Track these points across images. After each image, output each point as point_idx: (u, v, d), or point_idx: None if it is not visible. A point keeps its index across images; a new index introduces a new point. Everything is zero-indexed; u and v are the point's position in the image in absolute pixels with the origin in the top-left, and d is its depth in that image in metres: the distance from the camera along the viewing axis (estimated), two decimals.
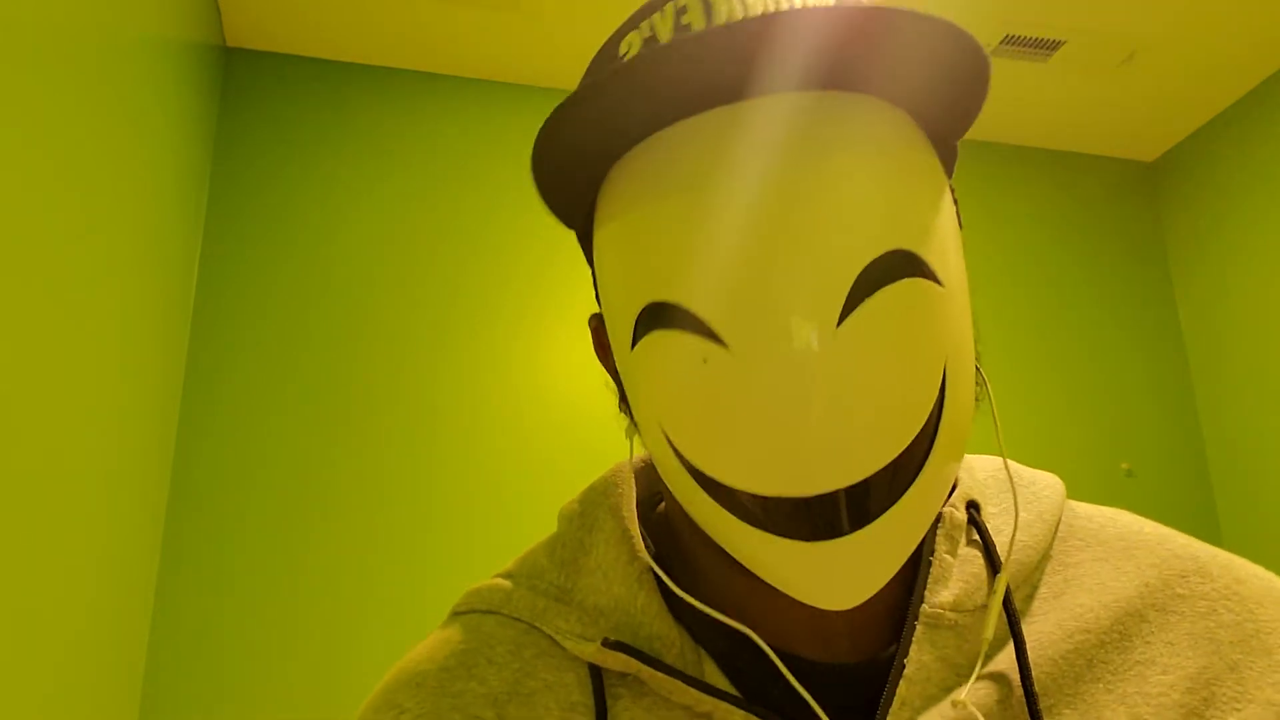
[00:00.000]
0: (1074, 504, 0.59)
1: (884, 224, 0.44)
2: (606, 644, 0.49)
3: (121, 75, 1.66)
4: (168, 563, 2.19)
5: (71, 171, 1.42)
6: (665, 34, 0.48)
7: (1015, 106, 2.90)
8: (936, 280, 0.45)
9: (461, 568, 2.27)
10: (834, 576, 0.44)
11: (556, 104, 0.43)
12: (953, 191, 0.50)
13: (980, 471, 0.59)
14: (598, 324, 0.55)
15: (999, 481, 0.58)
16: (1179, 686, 0.49)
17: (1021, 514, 0.54)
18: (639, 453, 0.54)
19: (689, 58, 0.42)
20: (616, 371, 0.53)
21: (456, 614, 0.57)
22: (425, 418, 2.43)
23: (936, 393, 0.44)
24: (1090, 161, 3.16)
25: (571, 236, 0.55)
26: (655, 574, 0.52)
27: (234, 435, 2.32)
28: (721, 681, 0.49)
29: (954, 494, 0.55)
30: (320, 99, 2.62)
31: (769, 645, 0.48)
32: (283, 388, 2.38)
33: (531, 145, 0.47)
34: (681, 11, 0.48)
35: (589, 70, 0.53)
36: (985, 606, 0.50)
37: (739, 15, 0.46)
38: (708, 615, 0.50)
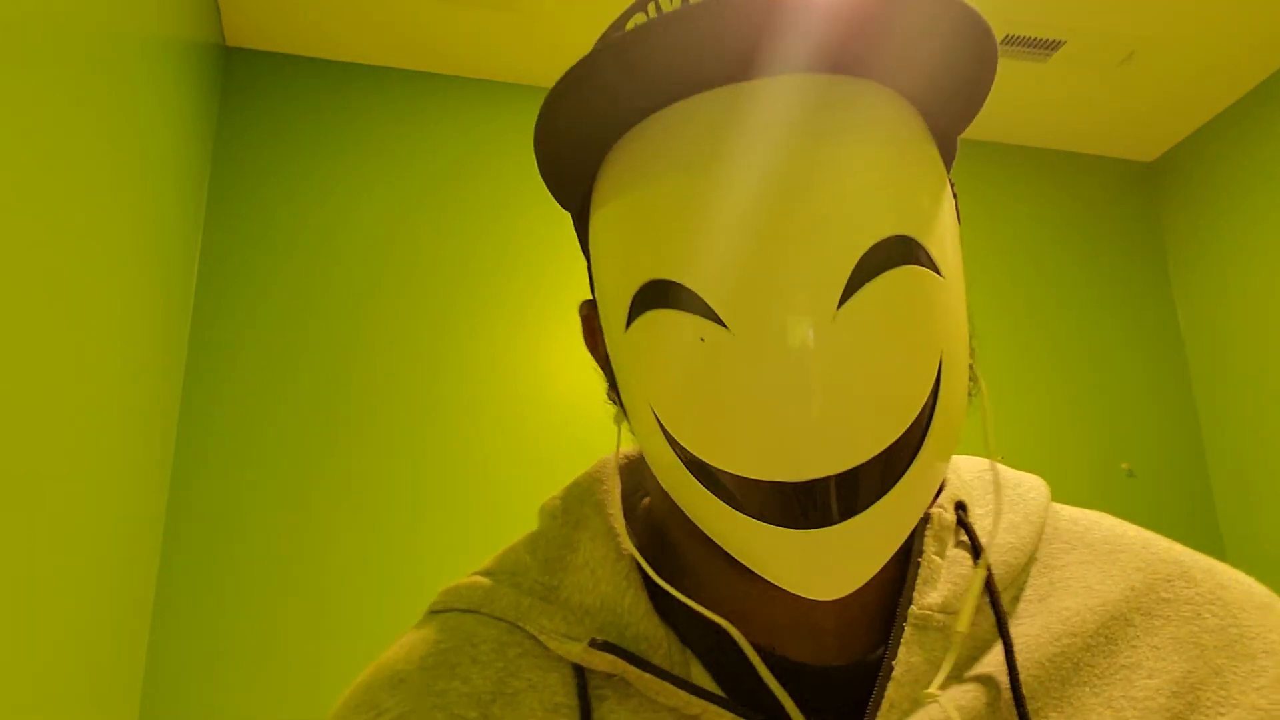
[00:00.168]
0: (1058, 506, 0.59)
1: (887, 210, 0.44)
2: (594, 644, 0.48)
3: (121, 75, 1.66)
4: (168, 563, 2.19)
5: (71, 171, 1.42)
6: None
7: (1015, 106, 2.90)
8: (936, 270, 0.45)
9: (462, 567, 2.26)
10: (822, 566, 0.43)
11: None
12: (952, 186, 0.50)
13: (967, 472, 0.59)
14: (589, 311, 0.54)
15: (985, 483, 0.58)
16: (1164, 690, 0.49)
17: (1008, 515, 0.54)
18: (626, 443, 0.53)
19: (691, 31, 0.42)
20: (606, 358, 0.52)
21: (434, 613, 0.55)
22: (425, 417, 2.43)
23: (931, 384, 0.44)
24: (1090, 161, 3.16)
25: (573, 235, 0.54)
26: (642, 571, 0.51)
27: (234, 435, 2.32)
28: (708, 683, 0.48)
29: (942, 494, 0.55)
30: (320, 99, 2.62)
31: (756, 645, 0.48)
32: (283, 387, 2.38)
33: (532, 146, 0.47)
34: None
35: (593, 48, 0.53)
36: (974, 609, 0.50)
37: None
38: (695, 615, 0.50)
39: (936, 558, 0.51)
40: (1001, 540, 0.53)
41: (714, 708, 0.46)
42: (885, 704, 0.46)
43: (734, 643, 0.49)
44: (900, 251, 0.43)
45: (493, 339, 2.50)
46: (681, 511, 0.48)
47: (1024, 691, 0.48)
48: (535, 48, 2.59)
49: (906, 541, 0.49)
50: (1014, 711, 0.47)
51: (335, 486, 2.33)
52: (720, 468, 0.44)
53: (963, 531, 0.53)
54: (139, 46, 1.76)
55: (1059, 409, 2.86)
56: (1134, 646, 0.50)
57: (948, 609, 0.49)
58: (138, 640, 2.06)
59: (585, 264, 0.54)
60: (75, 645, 1.56)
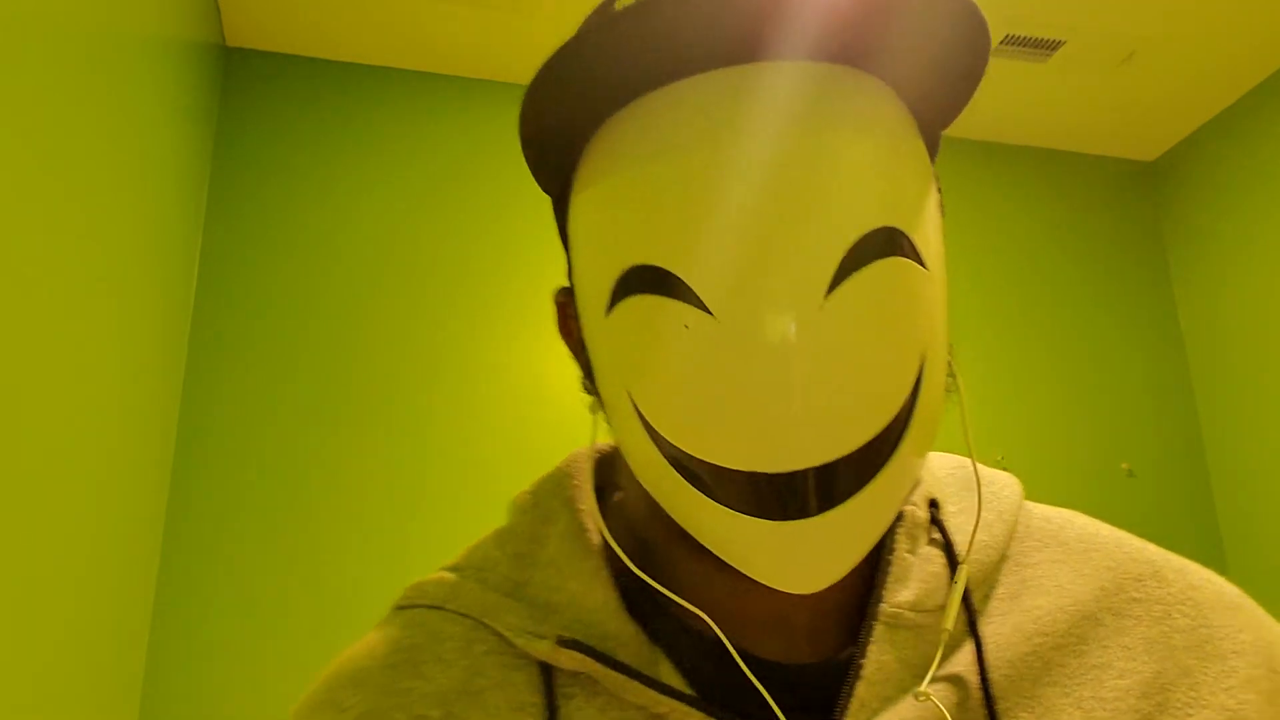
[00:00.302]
0: (1030, 505, 0.58)
1: (876, 201, 0.43)
2: (562, 642, 0.47)
3: (121, 75, 1.66)
4: (168, 563, 2.19)
5: (71, 171, 1.42)
6: None
7: (1015, 106, 2.90)
8: (921, 263, 0.45)
9: None
10: (797, 559, 0.43)
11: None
12: (937, 180, 0.50)
13: (940, 469, 0.58)
14: (564, 298, 0.53)
15: (959, 480, 0.57)
16: (1134, 691, 0.49)
17: (984, 515, 0.54)
18: (604, 436, 0.52)
19: (685, 13, 0.41)
20: (582, 345, 0.51)
21: (400, 609, 0.54)
22: (425, 417, 2.43)
23: (914, 378, 0.44)
24: (1090, 161, 3.16)
25: None
26: (612, 569, 0.51)
27: (234, 434, 2.32)
28: (677, 681, 0.48)
29: (915, 492, 0.54)
30: (320, 99, 2.62)
31: (721, 632, 0.47)
32: (283, 387, 2.38)
33: None
34: None
35: (582, 26, 0.50)
36: (944, 606, 0.50)
37: None
38: (665, 612, 0.49)
39: (908, 555, 0.51)
40: (974, 539, 0.53)
41: (682, 706, 0.46)
42: (855, 703, 0.46)
43: (704, 640, 0.48)
44: (888, 243, 0.43)
45: (492, 338, 2.50)
46: (656, 505, 0.48)
47: (994, 691, 0.47)
48: (535, 48, 2.59)
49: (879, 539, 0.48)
50: (984, 711, 0.47)
51: (335, 486, 2.33)
52: (699, 457, 0.43)
53: (935, 529, 0.53)
54: (139, 46, 1.76)
55: (1059, 409, 2.86)
56: (1105, 647, 0.50)
57: (919, 607, 0.49)
58: (138, 640, 2.06)
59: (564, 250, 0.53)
60: (75, 645, 1.56)
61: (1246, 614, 0.54)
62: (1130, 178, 3.18)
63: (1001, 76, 2.74)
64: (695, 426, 0.43)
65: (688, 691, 0.47)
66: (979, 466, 0.57)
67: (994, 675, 0.48)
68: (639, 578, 0.49)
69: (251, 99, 2.58)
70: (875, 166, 0.44)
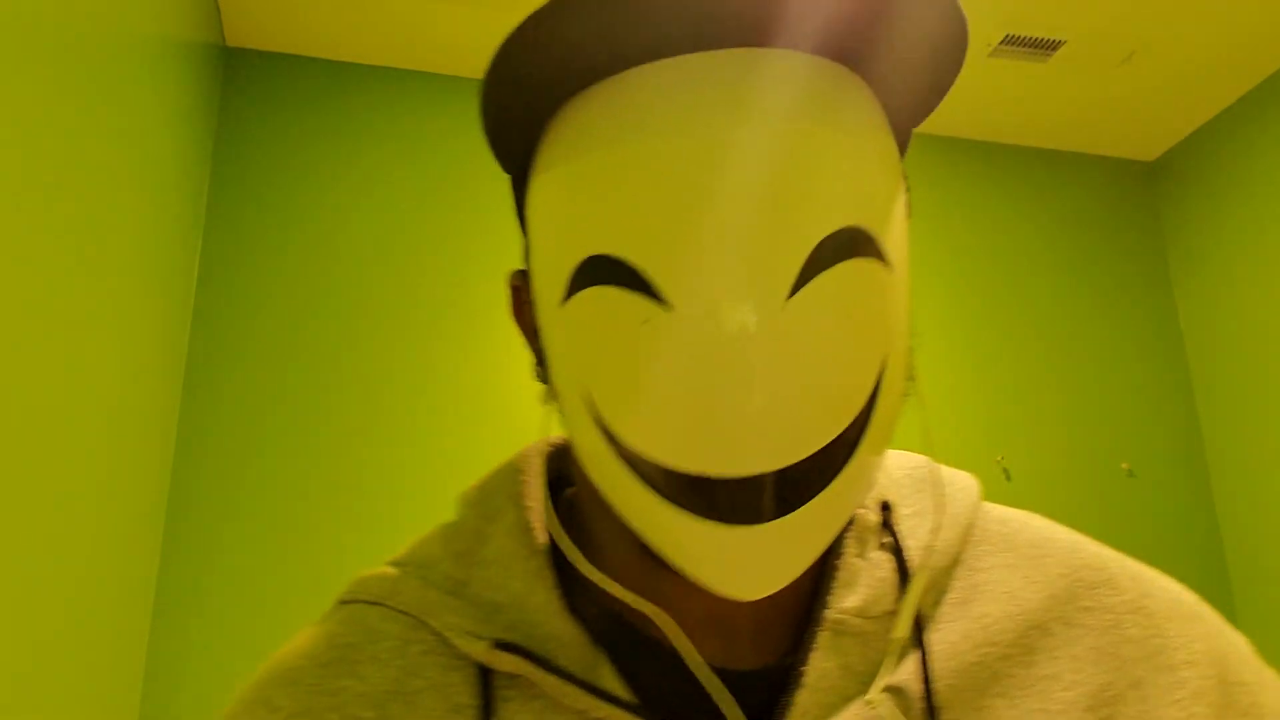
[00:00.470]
0: (989, 506, 0.57)
1: (845, 199, 0.42)
2: (498, 645, 0.46)
3: (121, 75, 1.66)
4: (168, 563, 2.19)
5: (71, 171, 1.42)
6: None
7: (1015, 106, 2.90)
8: (887, 263, 0.44)
9: None
10: (746, 565, 0.42)
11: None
12: (905, 179, 0.49)
13: (897, 470, 0.56)
14: (519, 281, 0.52)
15: (915, 480, 0.56)
16: (1080, 704, 0.48)
17: (936, 517, 0.53)
18: (555, 426, 0.51)
19: None
20: (535, 333, 0.50)
21: (342, 603, 0.53)
22: (425, 417, 2.43)
23: (873, 382, 0.43)
24: (1090, 161, 3.16)
25: None
26: (557, 567, 0.50)
27: (234, 434, 2.32)
28: (617, 685, 0.46)
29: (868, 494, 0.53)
30: (320, 99, 2.62)
31: (671, 646, 0.47)
32: (283, 386, 2.38)
33: None
34: None
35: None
36: (892, 613, 0.49)
37: None
38: (610, 615, 0.48)
39: (857, 560, 0.50)
40: (926, 543, 0.52)
41: (620, 712, 0.45)
42: (796, 711, 0.45)
43: (647, 643, 0.47)
44: (855, 243, 0.42)
45: (491, 338, 2.50)
46: (604, 504, 0.46)
47: (939, 701, 0.46)
48: None
49: None
50: None
51: (335, 485, 2.33)
52: (653, 458, 0.42)
53: (886, 533, 0.52)
54: (139, 46, 1.76)
55: (1059, 409, 2.86)
56: (1054, 657, 0.49)
57: (865, 613, 0.48)
58: (138, 640, 2.06)
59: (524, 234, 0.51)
60: (75, 645, 1.56)
61: (1202, 623, 0.53)
62: (1130, 178, 3.18)
63: (1001, 76, 2.74)
64: (650, 426, 0.42)
65: (627, 696, 0.46)
66: (940, 467, 0.56)
67: (939, 685, 0.47)
68: (586, 577, 0.48)
69: (251, 99, 2.58)
70: (846, 163, 0.43)
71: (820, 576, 0.50)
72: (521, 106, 0.44)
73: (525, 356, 0.53)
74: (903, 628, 0.47)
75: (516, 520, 0.52)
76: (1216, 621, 0.54)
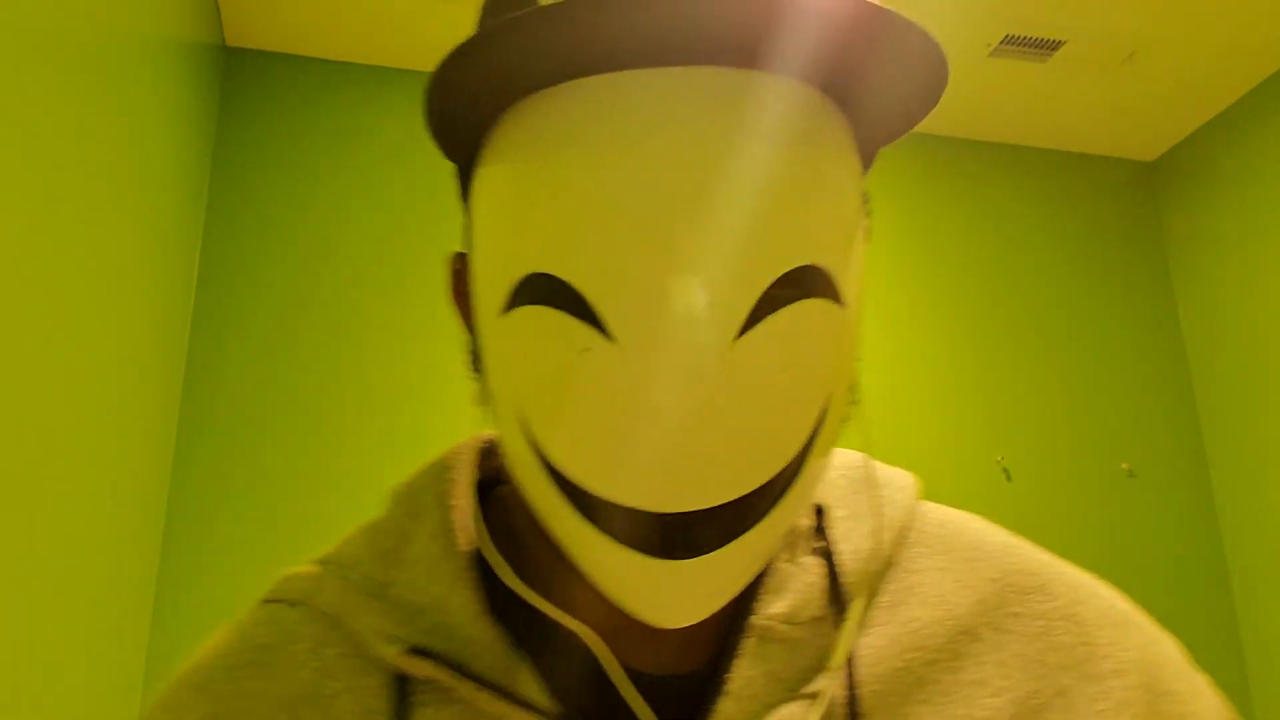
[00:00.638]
0: (928, 506, 0.55)
1: (804, 235, 0.41)
2: (412, 650, 0.45)
3: (121, 75, 1.66)
4: (168, 561, 2.19)
5: (71, 171, 1.42)
6: None
7: (1015, 106, 2.90)
8: (841, 303, 0.42)
9: None
10: (677, 596, 0.41)
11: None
12: (867, 202, 0.47)
13: (832, 470, 0.55)
14: (460, 264, 0.50)
15: (850, 481, 0.54)
16: (1006, 711, 0.47)
17: (871, 520, 0.52)
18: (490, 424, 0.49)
19: (633, 3, 0.38)
20: (471, 323, 0.48)
21: (264, 602, 0.52)
22: (424, 415, 2.43)
23: (816, 422, 0.42)
24: (1090, 161, 3.16)
25: None
26: (482, 569, 0.49)
27: (233, 433, 2.32)
28: (536, 692, 0.45)
29: None
30: (320, 99, 2.62)
31: (602, 644, 0.46)
32: (282, 385, 2.38)
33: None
34: None
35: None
36: (820, 619, 0.48)
37: None
38: (533, 618, 0.47)
39: (787, 565, 0.49)
40: (859, 546, 0.50)
41: (537, 718, 0.44)
42: (719, 718, 0.45)
43: (569, 648, 0.47)
44: (810, 283, 0.41)
45: None
46: (531, 507, 0.46)
47: (862, 707, 0.46)
48: None
49: None
50: None
51: (334, 483, 2.33)
52: (585, 486, 0.41)
53: (819, 537, 0.51)
54: (139, 46, 1.76)
55: (1059, 409, 2.86)
56: (981, 663, 0.48)
57: (792, 619, 0.47)
58: (138, 639, 2.06)
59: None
60: (75, 644, 1.56)
61: (1133, 632, 0.52)
62: (1130, 178, 3.18)
63: (1001, 76, 2.74)
64: (587, 457, 0.41)
65: (545, 702, 0.45)
66: (879, 466, 0.55)
67: (863, 690, 0.46)
68: (511, 579, 0.48)
69: (251, 99, 2.58)
70: (807, 195, 0.41)
71: (751, 581, 0.49)
72: (477, 94, 0.42)
73: None
74: (840, 657, 0.46)
75: (441, 521, 0.50)
76: (1149, 630, 0.53)
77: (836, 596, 0.49)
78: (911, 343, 2.82)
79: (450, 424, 2.43)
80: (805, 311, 0.41)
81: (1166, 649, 0.53)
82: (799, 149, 0.41)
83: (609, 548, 0.41)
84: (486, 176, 0.44)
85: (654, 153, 0.39)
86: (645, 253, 0.39)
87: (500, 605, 0.48)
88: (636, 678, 0.47)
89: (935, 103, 0.44)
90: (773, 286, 0.40)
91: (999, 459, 2.76)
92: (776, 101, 0.41)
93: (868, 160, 0.47)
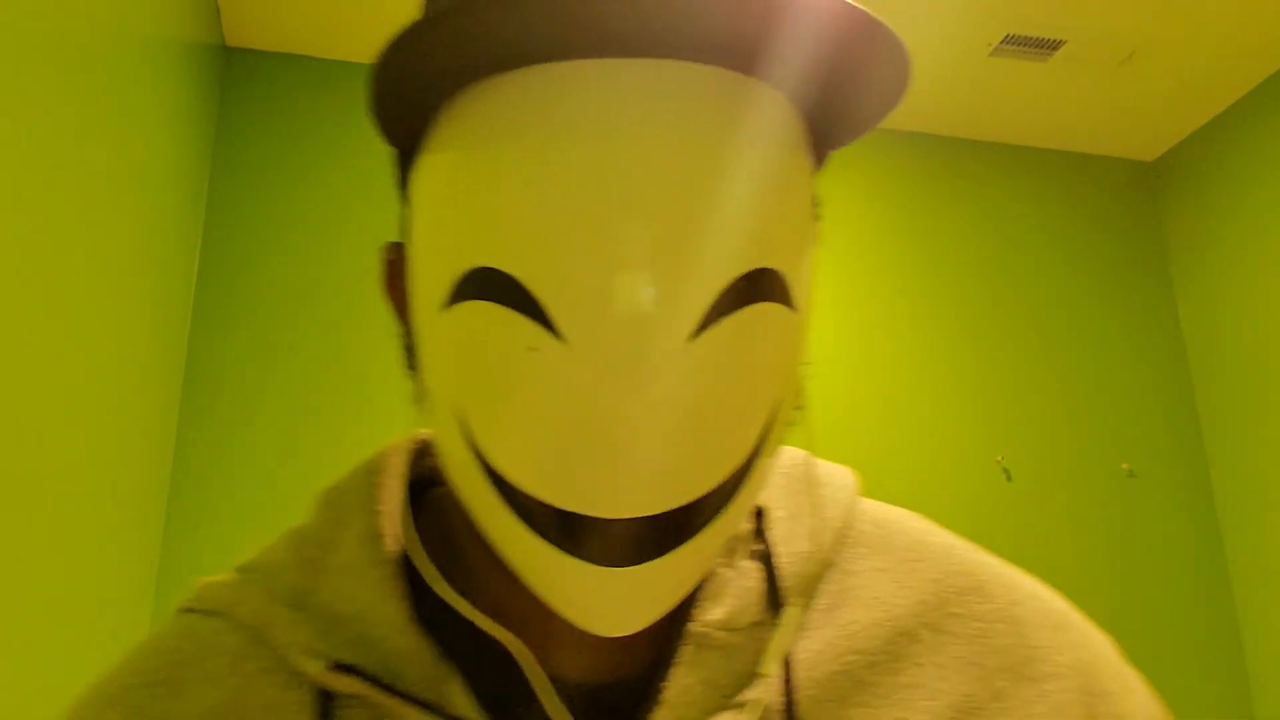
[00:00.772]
0: (867, 504, 0.54)
1: (759, 238, 0.40)
2: (336, 666, 0.44)
3: (121, 75, 1.66)
4: (167, 562, 2.19)
5: (71, 171, 1.42)
6: None
7: (1015, 106, 2.90)
8: (793, 307, 0.41)
9: None
10: (617, 604, 0.40)
11: None
12: (817, 206, 0.46)
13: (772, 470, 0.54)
14: (395, 255, 0.48)
15: (790, 480, 0.53)
16: (942, 715, 0.46)
17: (809, 520, 0.51)
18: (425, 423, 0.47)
19: None
20: (406, 316, 0.46)
21: (181, 612, 0.50)
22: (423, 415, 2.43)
23: (763, 429, 0.41)
24: (1090, 161, 3.16)
25: None
26: (411, 576, 0.47)
27: (233, 433, 2.32)
28: (465, 704, 0.44)
29: None
30: (320, 99, 2.62)
31: (531, 656, 0.44)
32: (281, 385, 2.38)
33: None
34: None
35: None
36: (759, 623, 0.47)
37: None
38: (462, 625, 0.46)
39: (725, 570, 0.48)
40: (798, 548, 0.49)
41: None
42: None
43: (501, 657, 0.45)
44: (765, 286, 0.40)
45: None
46: (468, 511, 0.44)
47: (799, 712, 0.45)
48: None
49: None
50: None
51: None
52: (528, 491, 0.39)
53: (758, 540, 0.50)
54: (139, 46, 1.76)
55: (1059, 409, 2.86)
56: (919, 665, 0.48)
57: (730, 625, 0.46)
58: (138, 637, 2.06)
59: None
60: (76, 644, 1.56)
61: (1068, 633, 0.51)
62: (1130, 178, 3.18)
63: (1001, 76, 2.74)
64: (529, 459, 0.39)
65: (474, 716, 0.44)
66: (818, 464, 0.54)
67: (800, 695, 0.45)
68: (440, 586, 0.46)
69: (251, 99, 2.58)
70: (764, 197, 0.40)
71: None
72: (424, 79, 0.40)
73: None
74: (771, 665, 0.45)
75: (367, 526, 0.48)
76: (1084, 630, 0.53)
77: (775, 600, 0.48)
78: (912, 343, 2.82)
79: None
80: (759, 315, 0.40)
81: (1101, 648, 0.52)
82: (756, 148, 0.40)
83: (548, 554, 0.40)
84: (430, 164, 0.42)
85: (607, 146, 0.38)
86: (596, 249, 0.37)
87: (429, 612, 0.46)
88: (571, 687, 0.45)
89: (896, 104, 0.43)
90: (729, 290, 0.39)
91: (999, 459, 2.76)
92: (734, 99, 0.40)
93: (820, 162, 0.46)
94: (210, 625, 0.48)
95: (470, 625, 0.46)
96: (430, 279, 0.42)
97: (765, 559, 0.49)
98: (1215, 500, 2.89)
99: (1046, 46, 2.63)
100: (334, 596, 0.47)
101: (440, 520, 0.50)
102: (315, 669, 0.44)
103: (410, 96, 0.41)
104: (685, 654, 0.45)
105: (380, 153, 2.65)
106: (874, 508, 0.55)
